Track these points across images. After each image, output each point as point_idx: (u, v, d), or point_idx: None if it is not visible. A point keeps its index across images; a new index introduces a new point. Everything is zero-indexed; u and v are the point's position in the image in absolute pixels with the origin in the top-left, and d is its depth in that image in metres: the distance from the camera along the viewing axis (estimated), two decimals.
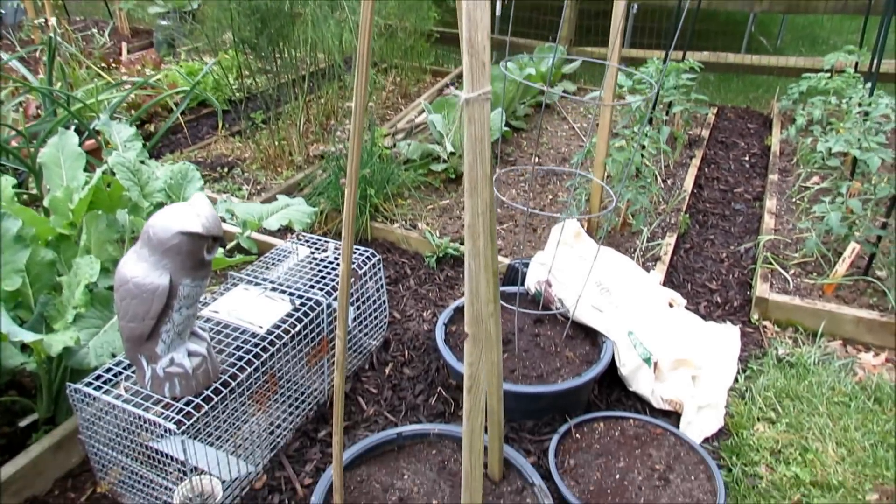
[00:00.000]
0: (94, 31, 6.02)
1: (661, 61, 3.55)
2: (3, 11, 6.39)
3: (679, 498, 1.99)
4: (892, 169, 3.35)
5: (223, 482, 2.05)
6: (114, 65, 4.85)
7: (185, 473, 2.02)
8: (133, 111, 4.35)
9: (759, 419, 2.46)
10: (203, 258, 1.73)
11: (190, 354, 1.84)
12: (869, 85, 3.34)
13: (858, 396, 2.54)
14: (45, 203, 2.41)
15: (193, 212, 1.71)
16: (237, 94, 4.71)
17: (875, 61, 3.08)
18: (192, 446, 1.97)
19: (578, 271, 2.66)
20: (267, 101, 4.13)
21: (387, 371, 2.61)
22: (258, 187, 3.91)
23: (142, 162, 3.01)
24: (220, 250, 2.65)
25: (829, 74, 3.95)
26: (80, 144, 2.65)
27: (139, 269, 1.66)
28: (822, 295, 2.93)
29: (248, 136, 4.25)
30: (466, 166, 1.23)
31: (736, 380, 2.64)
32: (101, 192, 2.48)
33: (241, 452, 2.12)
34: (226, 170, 4.08)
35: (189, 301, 1.77)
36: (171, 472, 2.05)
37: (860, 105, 3.17)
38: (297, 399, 2.33)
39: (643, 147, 3.01)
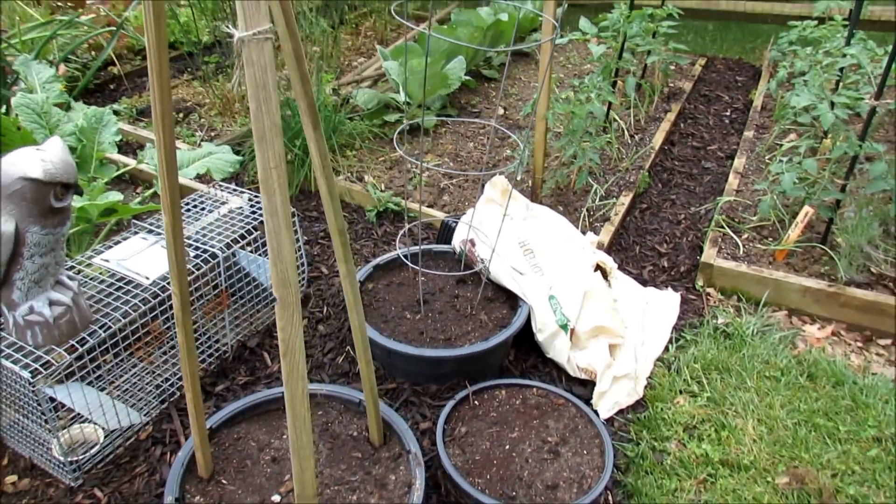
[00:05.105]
0: None
1: (628, 6, 3.29)
2: None
3: (564, 472, 1.89)
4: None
5: (103, 430, 2.02)
6: (70, 3, 4.70)
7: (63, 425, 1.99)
8: (94, 52, 4.24)
9: (681, 392, 2.34)
10: (51, 205, 1.65)
11: (52, 303, 1.79)
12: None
13: (791, 371, 2.39)
14: None
15: (38, 156, 1.62)
16: (205, 38, 4.57)
17: (855, 6, 2.81)
18: (80, 390, 1.92)
19: (503, 231, 2.53)
20: (229, 45, 3.99)
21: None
22: (212, 133, 3.80)
23: (67, 107, 2.93)
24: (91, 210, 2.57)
25: (815, 22, 3.64)
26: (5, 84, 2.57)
27: None
28: (772, 262, 2.76)
29: (207, 81, 4.13)
30: (252, 115, 1.12)
31: (667, 349, 2.51)
32: (11, 133, 2.41)
33: (129, 401, 2.09)
34: (182, 115, 3.98)
35: (42, 249, 1.70)
36: (50, 422, 2.02)
37: (829, 55, 2.92)
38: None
39: (588, 100, 2.81)
